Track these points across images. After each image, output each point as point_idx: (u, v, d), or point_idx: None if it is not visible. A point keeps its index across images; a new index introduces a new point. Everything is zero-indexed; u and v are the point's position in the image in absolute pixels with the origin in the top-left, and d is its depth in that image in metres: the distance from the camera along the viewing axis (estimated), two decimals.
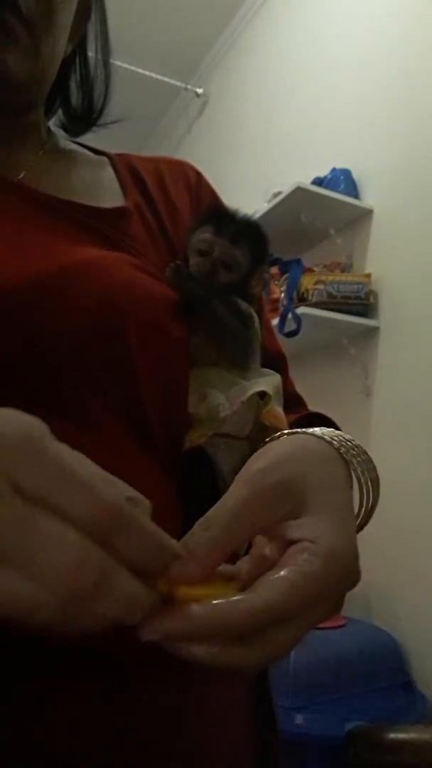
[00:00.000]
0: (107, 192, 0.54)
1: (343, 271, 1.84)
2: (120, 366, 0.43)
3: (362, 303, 1.74)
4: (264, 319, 0.59)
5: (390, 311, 1.75)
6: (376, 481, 0.39)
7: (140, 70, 2.72)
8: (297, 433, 0.39)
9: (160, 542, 0.27)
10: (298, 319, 1.68)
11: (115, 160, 0.58)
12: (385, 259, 1.79)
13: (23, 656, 0.35)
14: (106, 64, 0.59)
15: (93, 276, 0.42)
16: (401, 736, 1.02)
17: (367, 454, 0.40)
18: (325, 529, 0.31)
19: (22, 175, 0.50)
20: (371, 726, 1.09)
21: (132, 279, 0.44)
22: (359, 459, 0.38)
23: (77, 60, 0.58)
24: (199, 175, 0.62)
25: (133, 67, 2.64)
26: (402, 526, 1.54)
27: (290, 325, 1.70)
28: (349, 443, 0.39)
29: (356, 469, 0.38)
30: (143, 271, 0.47)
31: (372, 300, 1.77)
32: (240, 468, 0.44)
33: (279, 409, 0.50)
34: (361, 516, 0.39)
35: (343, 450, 0.37)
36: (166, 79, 2.93)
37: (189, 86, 3.05)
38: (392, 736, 1.02)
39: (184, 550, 0.29)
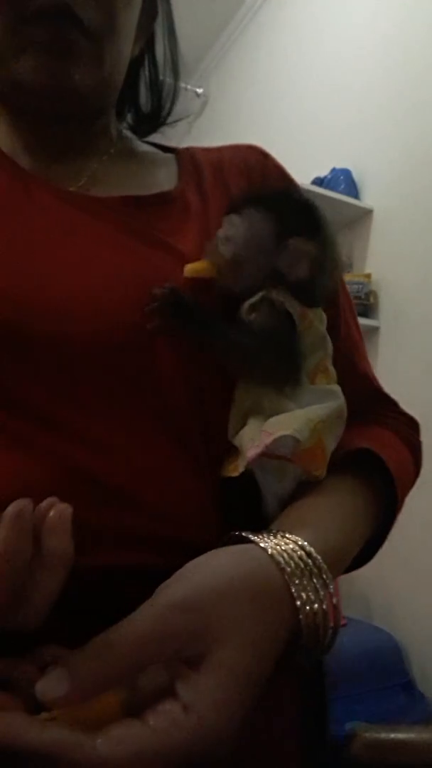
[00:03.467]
0: (163, 186, 0.53)
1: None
2: (151, 376, 0.42)
3: (362, 303, 1.74)
4: (340, 302, 0.52)
5: (390, 311, 1.75)
6: (327, 616, 0.34)
7: None
8: (248, 543, 0.36)
9: None
10: None
11: (180, 155, 0.57)
12: (385, 259, 1.79)
13: None
14: (175, 62, 0.59)
15: (131, 291, 0.42)
16: (401, 736, 1.01)
17: (328, 577, 0.35)
18: (207, 701, 0.28)
19: (82, 182, 0.50)
20: (371, 726, 1.09)
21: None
22: (310, 595, 0.33)
23: (146, 60, 0.58)
24: (265, 157, 0.58)
25: None
26: (401, 526, 1.54)
27: None
28: (309, 567, 0.34)
29: (302, 609, 0.33)
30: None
31: (372, 300, 1.77)
32: (288, 497, 0.42)
33: (328, 442, 0.43)
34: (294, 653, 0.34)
35: (294, 581, 0.33)
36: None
37: (189, 86, 3.05)
38: (392, 736, 1.02)
39: (66, 673, 0.28)
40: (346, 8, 2.13)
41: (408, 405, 0.57)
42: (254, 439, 0.41)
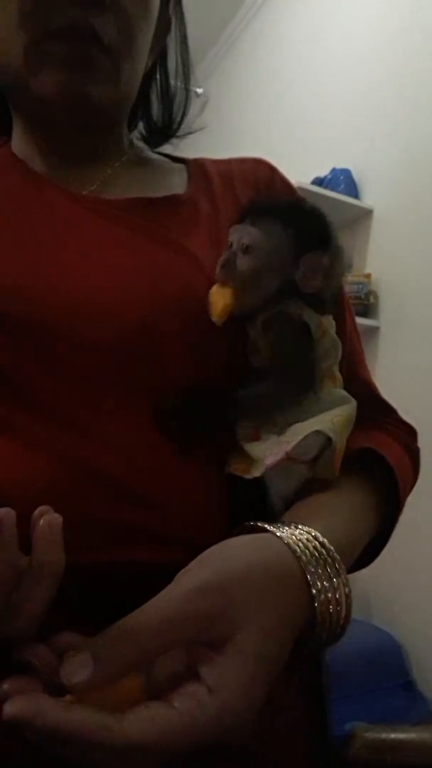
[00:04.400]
0: (174, 191, 0.53)
1: None
2: (159, 375, 0.43)
3: (362, 303, 1.74)
4: (343, 308, 0.53)
5: (390, 311, 1.75)
6: (341, 604, 0.35)
7: None
8: (265, 532, 0.36)
9: None
10: None
11: (190, 165, 0.58)
12: (385, 259, 1.79)
13: None
14: (186, 76, 0.60)
15: (140, 290, 0.43)
16: (401, 736, 1.01)
17: (340, 567, 0.35)
18: (231, 683, 0.29)
19: (94, 187, 0.52)
20: (371, 726, 1.09)
21: (180, 290, 0.44)
22: (325, 583, 0.34)
23: (158, 73, 0.59)
24: (273, 171, 0.59)
25: None
26: (401, 526, 1.54)
27: None
28: (323, 556, 0.35)
29: (318, 597, 0.34)
30: (198, 271, 0.46)
31: (372, 300, 1.77)
32: (292, 496, 0.43)
33: (343, 444, 0.44)
34: (307, 648, 0.35)
35: (310, 569, 0.34)
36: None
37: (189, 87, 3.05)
38: (392, 736, 1.01)
39: (89, 657, 0.29)
40: (346, 8, 2.13)
41: (408, 405, 0.57)
42: (272, 450, 0.42)
